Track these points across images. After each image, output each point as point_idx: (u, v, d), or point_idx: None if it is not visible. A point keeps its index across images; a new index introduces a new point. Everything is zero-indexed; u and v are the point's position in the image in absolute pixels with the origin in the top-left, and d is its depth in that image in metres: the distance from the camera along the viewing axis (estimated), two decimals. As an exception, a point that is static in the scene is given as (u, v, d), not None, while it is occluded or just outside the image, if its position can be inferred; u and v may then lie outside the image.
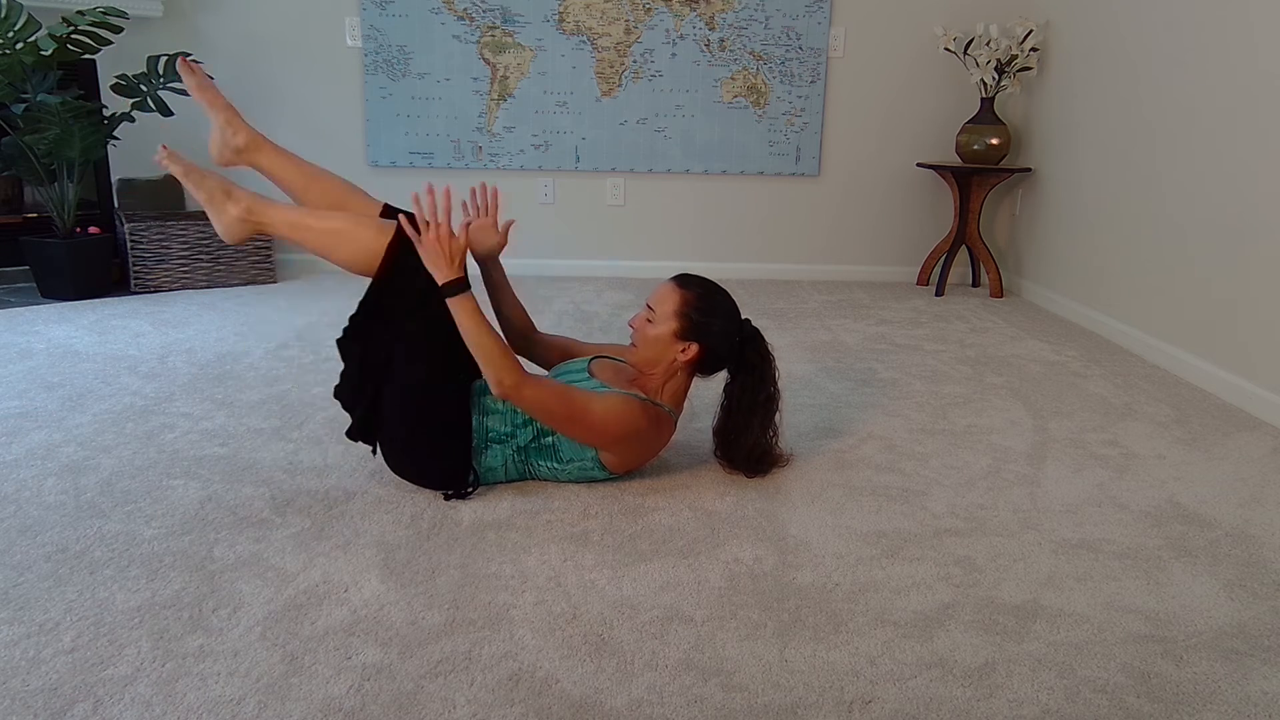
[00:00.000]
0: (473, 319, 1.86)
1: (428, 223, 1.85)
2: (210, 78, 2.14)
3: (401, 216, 1.91)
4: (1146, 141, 3.37)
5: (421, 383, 1.92)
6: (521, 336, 2.23)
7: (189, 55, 3.95)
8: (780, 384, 2.09)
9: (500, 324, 2.21)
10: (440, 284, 1.86)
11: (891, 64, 4.42)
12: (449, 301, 1.87)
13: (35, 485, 2.01)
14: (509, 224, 2.07)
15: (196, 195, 1.95)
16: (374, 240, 1.90)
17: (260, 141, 2.07)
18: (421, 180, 4.44)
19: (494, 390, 1.87)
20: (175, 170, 1.93)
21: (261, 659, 1.42)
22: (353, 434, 2.00)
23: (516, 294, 2.25)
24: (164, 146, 1.95)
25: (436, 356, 1.93)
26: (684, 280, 2.05)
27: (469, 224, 1.95)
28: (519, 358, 1.97)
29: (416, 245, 1.87)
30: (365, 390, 1.94)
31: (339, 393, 1.98)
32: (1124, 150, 3.52)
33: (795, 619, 1.57)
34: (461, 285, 1.86)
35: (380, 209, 2.05)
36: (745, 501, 2.03)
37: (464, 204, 2.14)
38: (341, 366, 1.97)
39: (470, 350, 1.88)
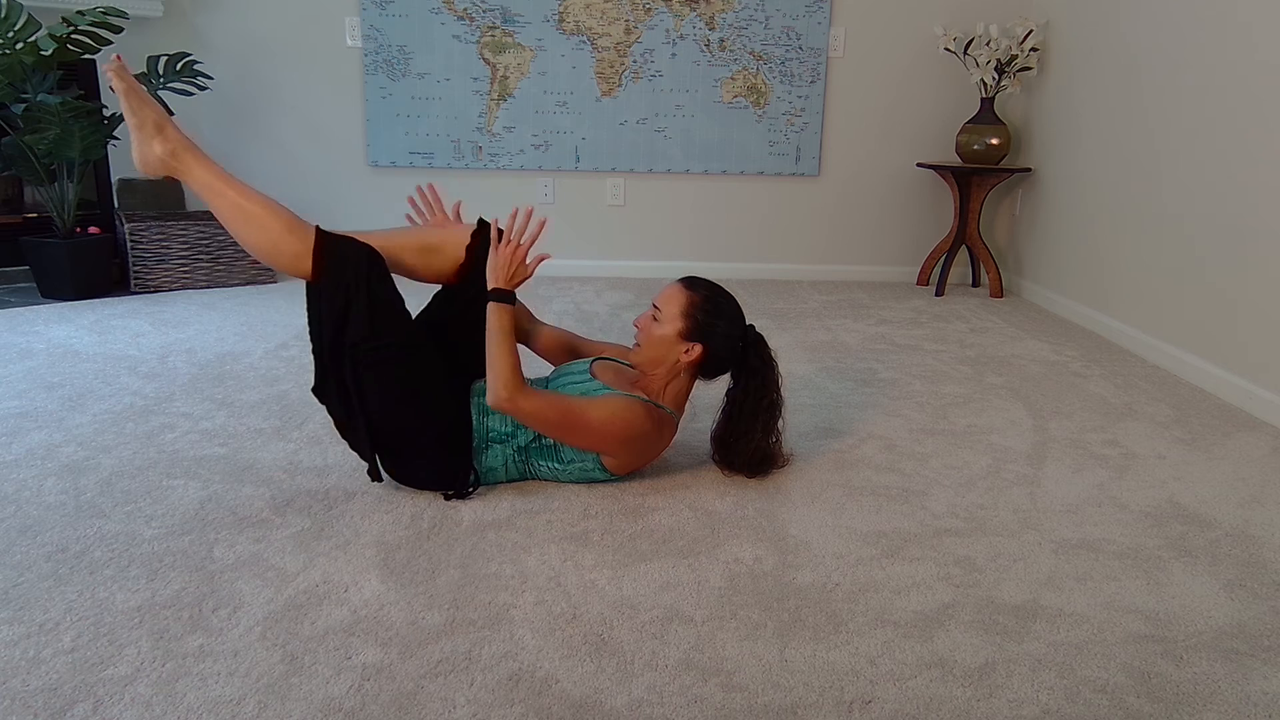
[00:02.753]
0: (503, 328, 1.91)
1: (512, 238, 1.94)
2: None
3: (494, 223, 1.98)
4: (1146, 141, 3.37)
5: (413, 388, 1.92)
6: (523, 332, 2.23)
7: (192, 59, 3.95)
8: (783, 389, 2.10)
9: None
10: (490, 288, 1.93)
11: (891, 64, 4.42)
12: (490, 305, 1.92)
13: (35, 485, 2.01)
14: (541, 258, 2.07)
15: (128, 119, 1.90)
16: (283, 236, 1.87)
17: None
18: (422, 180, 4.44)
19: (490, 399, 1.88)
20: (118, 86, 1.87)
21: (261, 659, 1.42)
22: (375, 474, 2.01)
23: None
24: (118, 57, 1.88)
25: (422, 359, 1.94)
26: (691, 282, 2.05)
27: (544, 259, 2.03)
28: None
29: (491, 246, 1.95)
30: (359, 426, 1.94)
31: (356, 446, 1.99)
32: (1124, 150, 3.52)
33: (795, 619, 1.57)
34: (508, 297, 1.93)
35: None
36: (745, 501, 2.03)
37: (495, 222, 2.05)
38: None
39: (487, 353, 1.90)
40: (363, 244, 1.91)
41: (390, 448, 1.96)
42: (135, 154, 1.92)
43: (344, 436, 1.98)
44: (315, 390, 1.94)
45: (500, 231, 1.98)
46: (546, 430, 1.94)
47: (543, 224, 2.01)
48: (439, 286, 2.12)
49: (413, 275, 2.05)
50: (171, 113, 3.86)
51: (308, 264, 1.87)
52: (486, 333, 1.92)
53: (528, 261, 1.99)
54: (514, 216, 1.98)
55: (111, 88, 1.89)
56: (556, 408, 1.91)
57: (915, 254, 4.66)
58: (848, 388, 2.87)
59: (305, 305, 1.91)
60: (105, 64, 1.89)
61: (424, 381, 1.93)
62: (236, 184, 1.90)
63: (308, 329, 1.91)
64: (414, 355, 1.92)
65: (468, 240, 2.03)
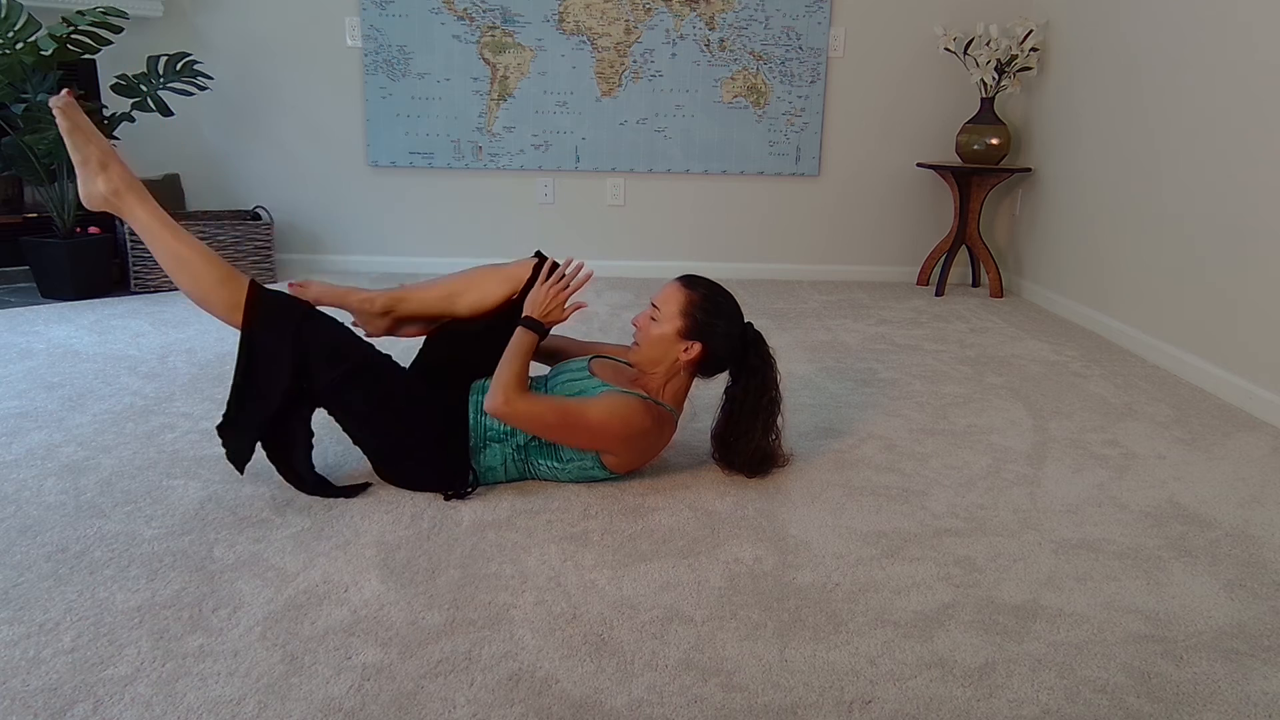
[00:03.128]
0: (523, 349, 1.96)
1: (562, 276, 2.03)
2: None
3: (549, 262, 2.06)
4: (1146, 141, 3.37)
5: (382, 397, 1.94)
6: (552, 350, 2.29)
7: (192, 59, 3.95)
8: (782, 388, 2.10)
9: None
10: (524, 315, 2.00)
11: (891, 64, 4.42)
12: (520, 328, 1.98)
13: (35, 485, 2.01)
14: (577, 306, 2.09)
15: (72, 156, 1.92)
16: (214, 288, 1.91)
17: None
18: (422, 180, 4.44)
19: (487, 404, 1.89)
20: (63, 125, 1.89)
21: (261, 659, 1.42)
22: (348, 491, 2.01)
23: None
24: (69, 91, 1.92)
25: (379, 372, 1.96)
26: (689, 280, 2.05)
27: (580, 307, 2.09)
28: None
29: (539, 281, 2.03)
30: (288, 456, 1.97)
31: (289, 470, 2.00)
32: (1124, 150, 3.52)
33: (795, 619, 1.57)
34: (538, 328, 2.00)
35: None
36: (745, 501, 2.03)
37: (552, 264, 2.10)
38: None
39: (500, 364, 1.93)
40: (294, 298, 1.97)
41: (385, 455, 1.97)
42: (80, 190, 1.96)
43: (284, 476, 2.00)
44: (220, 428, 1.94)
45: (553, 268, 2.05)
46: (546, 433, 1.94)
47: (589, 276, 2.06)
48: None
49: (466, 315, 2.10)
50: (157, 115, 3.87)
51: (239, 316, 1.91)
52: (507, 348, 1.95)
53: (566, 305, 2.04)
54: (569, 262, 2.06)
55: (56, 124, 1.91)
56: (554, 409, 1.91)
57: (915, 254, 4.66)
58: (848, 388, 2.87)
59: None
60: (53, 99, 1.89)
61: (392, 390, 1.95)
62: (175, 230, 1.94)
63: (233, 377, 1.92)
64: (367, 373, 1.94)
65: (528, 274, 2.06)
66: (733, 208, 4.57)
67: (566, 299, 2.04)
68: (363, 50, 4.28)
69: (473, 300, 2.08)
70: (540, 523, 1.89)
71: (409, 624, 1.53)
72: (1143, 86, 3.40)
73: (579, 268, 2.06)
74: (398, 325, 2.13)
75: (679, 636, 1.51)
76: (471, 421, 1.98)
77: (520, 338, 1.97)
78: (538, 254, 2.10)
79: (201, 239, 3.95)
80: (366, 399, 1.93)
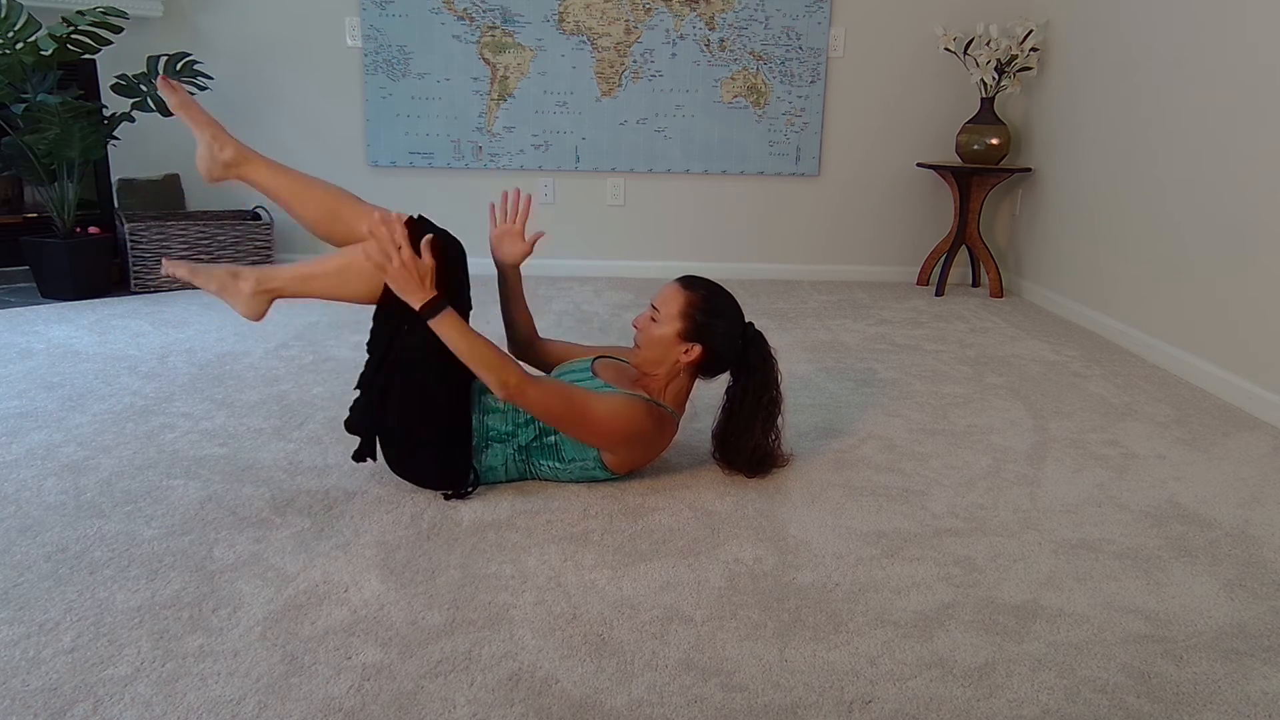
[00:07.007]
0: (459, 332, 1.84)
1: (389, 255, 1.81)
2: (191, 93, 2.14)
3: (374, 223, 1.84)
4: (1146, 141, 3.37)
5: (422, 386, 1.92)
6: (526, 343, 2.25)
7: (192, 59, 3.95)
8: (783, 387, 2.10)
9: (507, 330, 2.23)
10: (417, 309, 1.84)
11: (891, 64, 4.42)
12: (431, 324, 1.83)
13: (35, 485, 2.01)
14: (537, 235, 2.06)
15: (206, 288, 1.95)
16: (376, 272, 1.89)
17: (248, 154, 2.04)
18: (422, 180, 4.44)
19: (498, 394, 1.85)
20: (181, 274, 1.93)
21: (261, 659, 1.42)
22: (359, 455, 1.99)
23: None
24: (166, 259, 1.94)
25: (436, 360, 1.93)
26: (689, 281, 2.05)
27: (431, 240, 1.85)
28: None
29: (386, 279, 1.84)
30: (375, 410, 1.95)
31: (352, 424, 1.99)
32: (1124, 150, 3.52)
33: (795, 619, 1.57)
34: (438, 305, 1.84)
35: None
36: (745, 501, 2.03)
37: (492, 206, 2.17)
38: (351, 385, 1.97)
39: (465, 363, 1.85)
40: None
41: (398, 442, 1.96)
42: (236, 309, 1.98)
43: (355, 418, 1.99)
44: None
45: (432, 239, 1.86)
46: (552, 420, 1.92)
47: (395, 220, 1.83)
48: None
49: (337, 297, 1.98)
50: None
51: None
52: (450, 348, 1.84)
53: (419, 254, 1.83)
54: (506, 197, 2.02)
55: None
56: (563, 397, 1.90)
57: (915, 254, 4.66)
58: (848, 388, 2.87)
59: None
60: (162, 270, 2.03)
61: (442, 374, 1.92)
62: (315, 261, 1.98)
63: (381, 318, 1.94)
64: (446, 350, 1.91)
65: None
66: (733, 208, 4.57)
67: (402, 244, 1.81)
68: (363, 50, 4.28)
69: (358, 290, 1.93)
70: (540, 523, 1.89)
71: (409, 624, 1.53)
72: (1142, 86, 3.40)
73: (518, 195, 2.09)
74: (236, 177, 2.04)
75: (679, 636, 1.51)
76: (474, 422, 1.97)
77: (447, 328, 1.83)
78: (410, 219, 1.89)
79: (202, 239, 3.97)
80: (429, 370, 1.90)
